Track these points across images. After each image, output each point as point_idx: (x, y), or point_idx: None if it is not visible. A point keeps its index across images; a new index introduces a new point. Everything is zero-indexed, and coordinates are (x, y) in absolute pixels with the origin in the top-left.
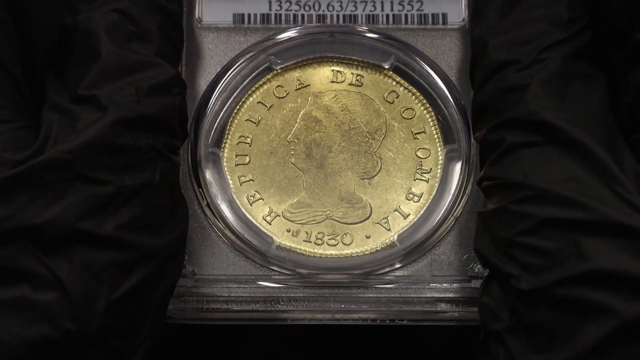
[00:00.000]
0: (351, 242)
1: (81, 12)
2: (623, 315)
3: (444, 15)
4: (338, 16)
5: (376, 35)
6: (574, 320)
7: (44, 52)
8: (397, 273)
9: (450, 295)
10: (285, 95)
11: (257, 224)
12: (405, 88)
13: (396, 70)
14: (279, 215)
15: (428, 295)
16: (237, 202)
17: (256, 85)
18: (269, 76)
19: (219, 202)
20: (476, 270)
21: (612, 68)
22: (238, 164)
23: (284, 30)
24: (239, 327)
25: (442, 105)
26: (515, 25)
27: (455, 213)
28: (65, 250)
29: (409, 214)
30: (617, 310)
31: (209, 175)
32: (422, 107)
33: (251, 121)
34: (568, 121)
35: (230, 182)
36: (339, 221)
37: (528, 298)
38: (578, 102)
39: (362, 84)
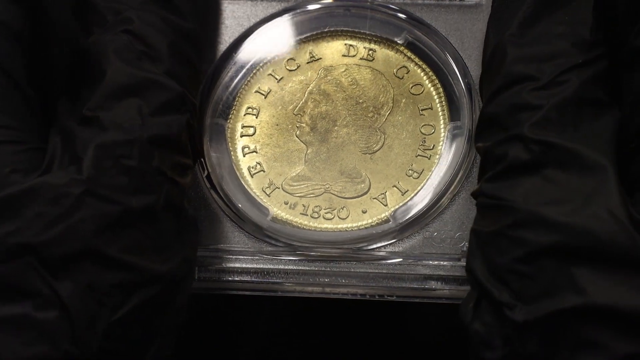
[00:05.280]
0: (347, 217)
1: (93, 34)
2: (614, 352)
3: None
4: None
5: (390, 10)
6: (567, 354)
7: (60, 73)
8: (391, 249)
9: (441, 273)
10: (296, 68)
11: (255, 196)
12: (416, 64)
13: (408, 45)
14: (278, 188)
15: (418, 272)
16: (238, 173)
17: (268, 57)
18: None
19: (218, 172)
20: (464, 248)
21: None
22: (243, 135)
23: (300, 2)
24: (228, 296)
25: (451, 82)
26: (537, 39)
27: (452, 191)
28: (71, 269)
29: (407, 190)
30: (608, 347)
31: (211, 145)
32: (430, 84)
33: (260, 93)
34: (576, 145)
35: (233, 153)
36: (337, 195)
37: (522, 329)
38: (589, 130)
39: (374, 59)
